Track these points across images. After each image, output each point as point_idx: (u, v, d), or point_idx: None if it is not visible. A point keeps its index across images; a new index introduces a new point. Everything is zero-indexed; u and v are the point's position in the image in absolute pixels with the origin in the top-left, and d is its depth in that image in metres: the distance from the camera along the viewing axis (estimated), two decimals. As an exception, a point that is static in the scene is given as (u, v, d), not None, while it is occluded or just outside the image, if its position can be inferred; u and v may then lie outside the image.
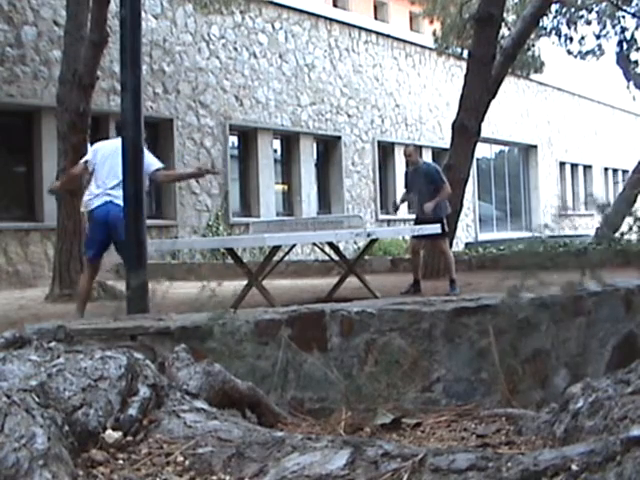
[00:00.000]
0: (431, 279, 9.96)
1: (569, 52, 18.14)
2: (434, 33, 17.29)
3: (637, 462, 1.19)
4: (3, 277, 12.02)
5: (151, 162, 6.15)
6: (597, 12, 17.55)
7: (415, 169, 9.11)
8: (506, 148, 26.15)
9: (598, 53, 18.53)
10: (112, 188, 6.00)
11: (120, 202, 5.19)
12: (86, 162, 6.46)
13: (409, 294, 8.35)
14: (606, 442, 1.27)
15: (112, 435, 1.58)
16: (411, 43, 21.33)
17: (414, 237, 9.10)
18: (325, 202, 18.62)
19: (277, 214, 16.69)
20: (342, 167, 18.64)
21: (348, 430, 2.18)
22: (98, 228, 6.21)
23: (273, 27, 17.13)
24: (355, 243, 14.79)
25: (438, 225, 8.65)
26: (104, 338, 2.77)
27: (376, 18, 21.65)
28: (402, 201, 9.65)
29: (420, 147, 21.20)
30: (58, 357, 1.72)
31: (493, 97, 11.29)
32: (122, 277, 6.75)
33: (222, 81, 15.84)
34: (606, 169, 31.10)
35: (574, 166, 28.97)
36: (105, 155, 6.24)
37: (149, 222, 6.25)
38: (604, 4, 16.97)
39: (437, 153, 21.24)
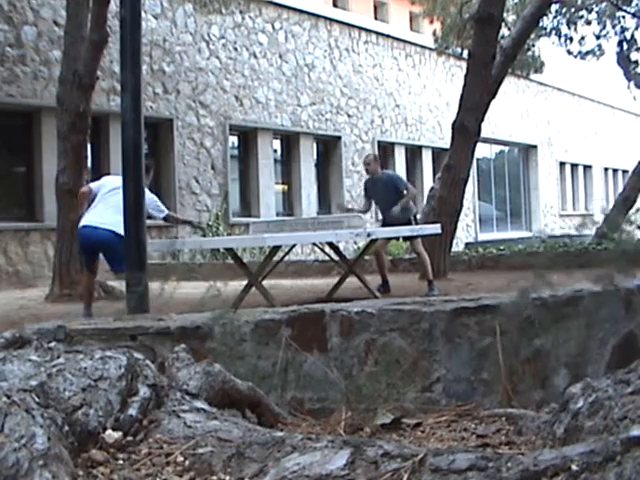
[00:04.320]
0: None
1: (569, 52, 18.13)
2: (434, 33, 17.28)
3: (637, 462, 1.19)
4: (3, 277, 12.02)
5: (157, 207, 6.97)
6: (597, 12, 17.55)
7: (374, 179, 9.14)
8: (506, 148, 26.15)
9: (598, 53, 18.51)
10: None
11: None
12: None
13: (382, 293, 8.35)
14: (606, 442, 1.27)
15: (112, 435, 1.57)
16: (411, 43, 21.33)
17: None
18: (325, 202, 18.61)
19: (277, 214, 16.69)
20: (342, 167, 18.65)
21: (348, 430, 2.18)
22: None
23: (273, 27, 17.13)
24: (355, 243, 14.79)
25: (438, 225, 8.68)
26: (104, 338, 2.77)
27: (376, 18, 21.65)
28: (349, 209, 9.71)
29: (420, 147, 21.26)
30: (58, 357, 1.72)
31: (493, 97, 11.28)
32: (122, 277, 6.94)
33: (222, 81, 15.84)
34: (606, 169, 31.10)
35: (574, 166, 28.97)
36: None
37: (149, 222, 6.31)
38: (604, 4, 16.96)
39: (437, 153, 21.25)
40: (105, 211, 6.51)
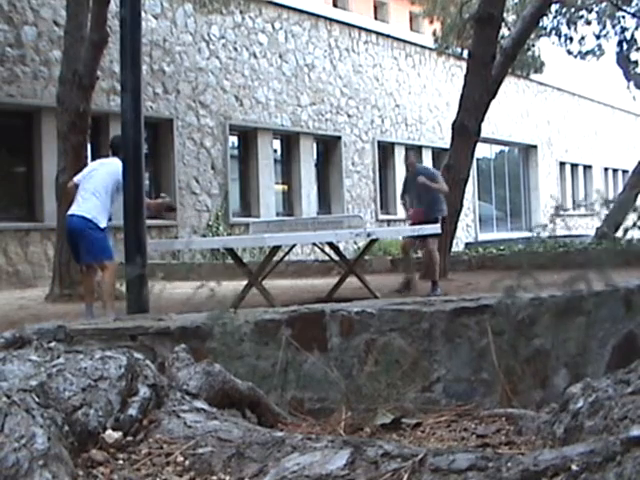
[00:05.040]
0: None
1: (569, 52, 18.14)
2: (434, 33, 17.29)
3: (637, 462, 1.19)
4: (3, 277, 12.02)
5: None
6: (597, 12, 17.55)
7: (414, 174, 9.16)
8: (506, 148, 26.15)
9: (598, 53, 18.53)
10: None
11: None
12: None
13: (403, 292, 8.40)
14: (606, 442, 1.27)
15: (112, 435, 1.57)
16: (411, 43, 21.33)
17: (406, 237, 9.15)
18: (325, 202, 18.61)
19: (277, 214, 16.69)
20: (342, 167, 18.64)
21: (348, 430, 2.18)
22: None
23: (273, 27, 17.13)
24: (355, 243, 14.79)
25: (438, 225, 8.69)
26: (104, 338, 2.77)
27: (376, 18, 21.65)
28: (404, 204, 9.80)
29: (420, 147, 21.25)
30: (58, 357, 1.72)
31: (493, 97, 11.28)
32: (122, 277, 6.98)
33: (222, 81, 15.84)
34: (606, 169, 31.11)
35: (574, 166, 28.98)
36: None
37: (149, 222, 6.32)
38: (604, 4, 16.96)
39: (437, 153, 21.24)
40: (82, 198, 6.67)
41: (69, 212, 6.77)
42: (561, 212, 26.83)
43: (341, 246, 10.58)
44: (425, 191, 8.90)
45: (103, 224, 6.57)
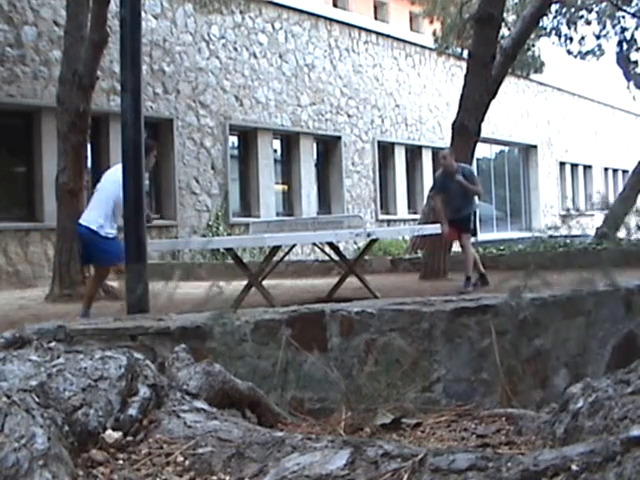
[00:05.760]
0: (431, 279, 10.00)
1: (569, 52, 18.14)
2: (434, 33, 17.29)
3: (637, 462, 1.19)
4: (3, 277, 12.02)
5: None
6: (597, 12, 17.55)
7: (449, 172, 9.09)
8: (506, 148, 26.14)
9: (598, 53, 18.52)
10: None
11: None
12: None
13: (477, 287, 8.57)
14: (606, 442, 1.27)
15: (112, 435, 1.57)
16: (411, 43, 21.33)
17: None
18: (325, 202, 18.61)
19: (277, 214, 16.69)
20: (342, 167, 18.64)
21: (348, 430, 2.17)
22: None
23: (273, 27, 17.13)
24: (355, 243, 14.79)
25: (438, 225, 8.71)
26: (104, 338, 2.77)
27: (376, 18, 21.65)
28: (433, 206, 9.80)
29: (420, 147, 21.26)
30: (58, 357, 1.72)
31: (493, 97, 11.28)
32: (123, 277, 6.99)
33: (222, 81, 15.84)
34: (606, 169, 31.10)
35: (574, 166, 28.97)
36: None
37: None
38: (604, 4, 16.96)
39: (437, 153, 21.20)
40: (90, 206, 6.94)
41: (79, 219, 6.99)
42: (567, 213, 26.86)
43: (341, 246, 10.59)
44: (463, 190, 8.93)
45: (104, 232, 6.65)
